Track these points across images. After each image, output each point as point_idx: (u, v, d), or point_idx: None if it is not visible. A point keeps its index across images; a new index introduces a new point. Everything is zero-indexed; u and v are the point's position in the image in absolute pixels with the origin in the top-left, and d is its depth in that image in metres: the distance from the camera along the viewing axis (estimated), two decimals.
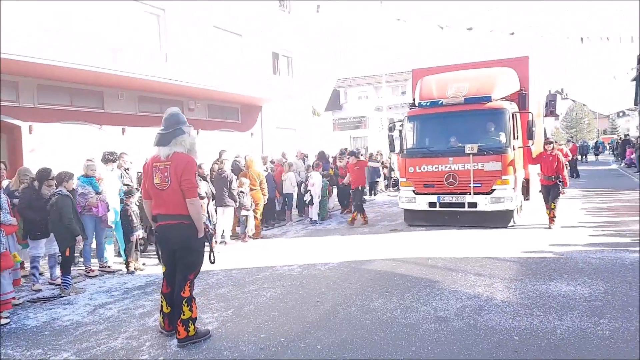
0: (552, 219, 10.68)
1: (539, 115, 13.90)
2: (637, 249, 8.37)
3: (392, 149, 12.64)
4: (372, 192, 20.08)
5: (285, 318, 5.79)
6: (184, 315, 5.03)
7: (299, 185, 14.16)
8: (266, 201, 12.08)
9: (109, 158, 9.17)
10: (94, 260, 8.92)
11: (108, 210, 8.64)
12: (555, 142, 22.15)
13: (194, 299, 5.16)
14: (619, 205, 13.97)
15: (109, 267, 8.87)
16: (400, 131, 12.11)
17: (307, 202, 13.70)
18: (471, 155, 10.78)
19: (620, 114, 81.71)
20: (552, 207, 10.66)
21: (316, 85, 27.19)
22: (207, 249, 5.33)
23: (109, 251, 9.11)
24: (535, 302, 5.85)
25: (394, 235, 11.09)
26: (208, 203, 10.58)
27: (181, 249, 5.11)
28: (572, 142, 33.82)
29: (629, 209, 13.01)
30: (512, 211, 10.98)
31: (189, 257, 5.11)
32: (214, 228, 10.47)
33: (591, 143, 53.74)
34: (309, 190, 13.53)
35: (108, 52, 13.23)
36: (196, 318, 5.16)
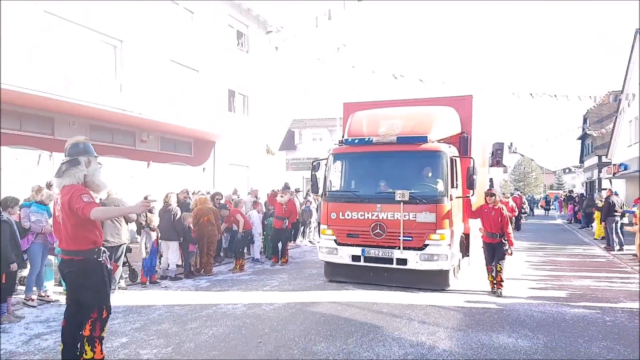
0: (499, 283, 9.33)
1: (483, 163, 13.01)
2: (578, 304, 8.68)
3: (314, 191, 10.96)
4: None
5: (226, 358, 5.64)
6: (85, 355, 4.80)
7: None
8: (219, 237, 11.96)
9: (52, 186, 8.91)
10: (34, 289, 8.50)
11: (55, 239, 8.38)
12: (503, 194, 22.53)
13: (98, 340, 4.86)
14: (562, 259, 14.41)
15: (48, 296, 8.48)
16: (325, 171, 10.58)
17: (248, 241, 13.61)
18: (401, 203, 9.32)
19: (567, 170, 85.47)
20: (499, 269, 9.33)
21: (271, 124, 27.34)
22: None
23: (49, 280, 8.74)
24: (477, 353, 5.92)
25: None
26: (157, 237, 10.35)
27: (73, 286, 4.91)
28: (518, 193, 34.77)
29: (570, 264, 13.45)
30: (447, 271, 9.52)
31: (81, 294, 4.86)
32: (119, 261, 9.45)
33: (538, 197, 55.82)
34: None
35: (60, 79, 12.98)
36: None
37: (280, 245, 13.17)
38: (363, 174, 10.62)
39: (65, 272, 4.92)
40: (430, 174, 9.78)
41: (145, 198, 11.01)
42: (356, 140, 10.10)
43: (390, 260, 9.52)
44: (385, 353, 5.86)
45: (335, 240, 10.04)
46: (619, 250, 15.71)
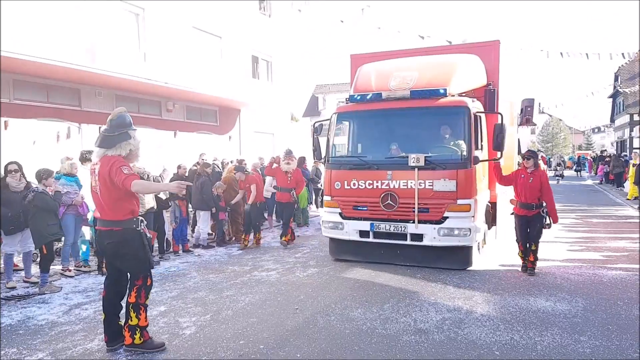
0: (531, 262, 7.97)
1: (512, 122, 11.24)
2: (615, 266, 8.53)
3: (317, 157, 9.58)
4: None
5: (264, 325, 5.71)
6: (131, 321, 4.91)
7: None
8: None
9: (86, 157, 9.01)
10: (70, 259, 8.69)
11: (88, 210, 8.49)
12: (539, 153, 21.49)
13: (143, 307, 4.95)
14: (595, 221, 14.15)
15: (84, 266, 8.69)
16: (328, 133, 9.19)
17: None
18: (416, 169, 8.00)
19: (596, 130, 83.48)
20: (534, 248, 7.96)
21: (295, 90, 27.06)
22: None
23: (85, 250, 8.96)
24: (515, 317, 5.86)
25: None
26: (186, 206, 10.45)
27: (114, 256, 4.99)
28: (542, 154, 33.80)
29: (604, 225, 13.22)
30: (470, 248, 8.22)
31: (125, 263, 4.97)
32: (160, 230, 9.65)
33: (566, 158, 54.92)
34: None
35: (85, 50, 12.99)
36: (145, 327, 4.97)
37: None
38: (371, 135, 9.29)
39: (105, 243, 4.96)
40: (450, 134, 8.45)
41: (179, 166, 11.13)
42: (363, 97, 8.76)
43: (403, 236, 8.31)
44: (422, 318, 5.85)
45: (340, 213, 8.82)
46: None
